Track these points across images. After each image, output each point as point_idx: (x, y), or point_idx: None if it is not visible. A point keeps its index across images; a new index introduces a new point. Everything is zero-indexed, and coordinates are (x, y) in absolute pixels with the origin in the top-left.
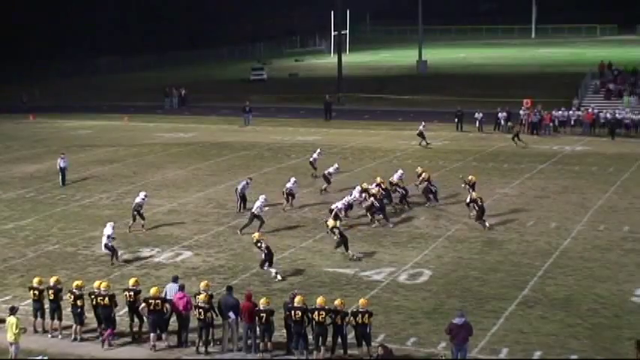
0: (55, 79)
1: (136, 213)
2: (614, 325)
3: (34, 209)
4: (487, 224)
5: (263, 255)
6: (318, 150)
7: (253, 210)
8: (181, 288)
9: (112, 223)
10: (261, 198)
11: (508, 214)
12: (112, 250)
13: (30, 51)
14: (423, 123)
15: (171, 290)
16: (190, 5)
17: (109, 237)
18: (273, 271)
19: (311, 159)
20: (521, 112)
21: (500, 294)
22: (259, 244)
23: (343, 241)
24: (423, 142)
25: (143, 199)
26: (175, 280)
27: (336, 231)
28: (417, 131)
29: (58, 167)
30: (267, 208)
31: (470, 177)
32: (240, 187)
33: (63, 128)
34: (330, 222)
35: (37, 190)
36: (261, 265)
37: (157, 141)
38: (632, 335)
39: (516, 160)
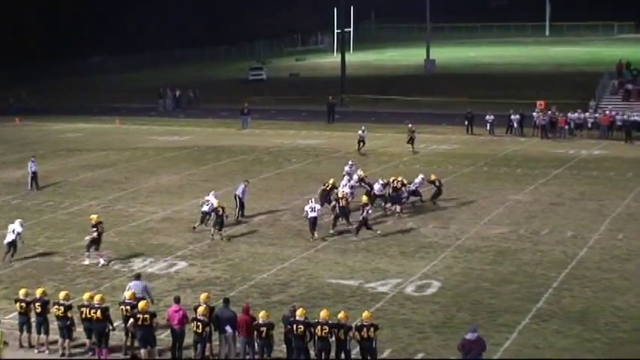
0: (43, 79)
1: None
2: (634, 340)
3: (20, 217)
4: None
5: (92, 236)
6: (350, 162)
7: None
8: (177, 300)
9: (20, 220)
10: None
11: (521, 222)
12: (14, 248)
13: (16, 50)
14: (363, 128)
15: (135, 288)
16: (185, 2)
17: (18, 234)
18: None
19: (344, 172)
20: (534, 114)
21: (513, 307)
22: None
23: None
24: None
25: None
26: (138, 277)
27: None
28: (408, 137)
29: (28, 171)
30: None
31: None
32: (239, 191)
33: (51, 131)
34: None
35: (23, 196)
36: (88, 248)
37: (150, 145)
38: None
39: (530, 164)
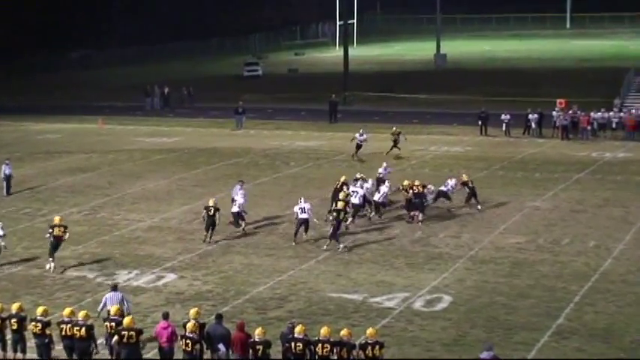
0: (20, 75)
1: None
2: None
3: None
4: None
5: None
6: (384, 164)
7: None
8: (165, 317)
9: (1, 224)
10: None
11: (540, 230)
12: None
13: None
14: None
15: (111, 300)
16: None
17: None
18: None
19: (379, 175)
20: (553, 113)
21: (530, 323)
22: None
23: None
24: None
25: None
26: (115, 288)
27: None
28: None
29: (2, 175)
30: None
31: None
32: (238, 194)
33: (28, 132)
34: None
35: None
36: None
37: (136, 147)
38: None
39: (549, 168)
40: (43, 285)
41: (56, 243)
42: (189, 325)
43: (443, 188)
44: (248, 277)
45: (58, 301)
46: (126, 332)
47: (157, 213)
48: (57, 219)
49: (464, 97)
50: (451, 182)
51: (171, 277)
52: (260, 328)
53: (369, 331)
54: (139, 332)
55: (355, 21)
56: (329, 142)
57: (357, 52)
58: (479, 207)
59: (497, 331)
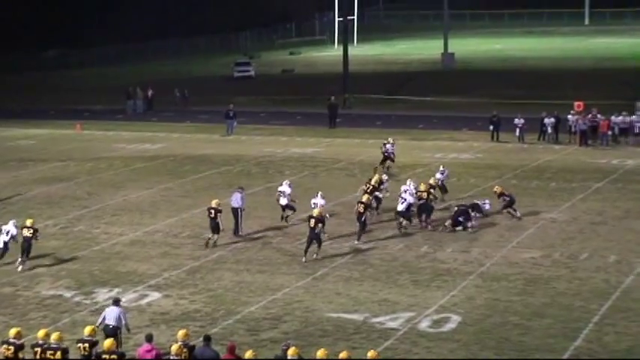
0: None
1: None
2: None
3: None
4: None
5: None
6: (441, 168)
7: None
8: (149, 339)
9: (14, 221)
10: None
11: (556, 244)
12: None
13: None
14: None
15: (110, 315)
16: None
17: (12, 237)
18: None
19: (439, 182)
20: (569, 117)
21: (546, 345)
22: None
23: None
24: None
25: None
26: (117, 303)
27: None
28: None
29: None
30: None
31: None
32: (238, 203)
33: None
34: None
35: None
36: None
37: (117, 154)
38: None
39: (566, 177)
40: (16, 304)
41: (27, 245)
42: (175, 348)
43: (479, 202)
44: (239, 296)
45: (32, 322)
46: (107, 356)
47: (139, 226)
48: (29, 221)
49: (474, 100)
50: (486, 204)
51: (155, 295)
52: (251, 351)
53: (370, 353)
54: (121, 356)
55: (356, 17)
56: (327, 149)
57: (357, 51)
58: (518, 214)
59: (510, 354)
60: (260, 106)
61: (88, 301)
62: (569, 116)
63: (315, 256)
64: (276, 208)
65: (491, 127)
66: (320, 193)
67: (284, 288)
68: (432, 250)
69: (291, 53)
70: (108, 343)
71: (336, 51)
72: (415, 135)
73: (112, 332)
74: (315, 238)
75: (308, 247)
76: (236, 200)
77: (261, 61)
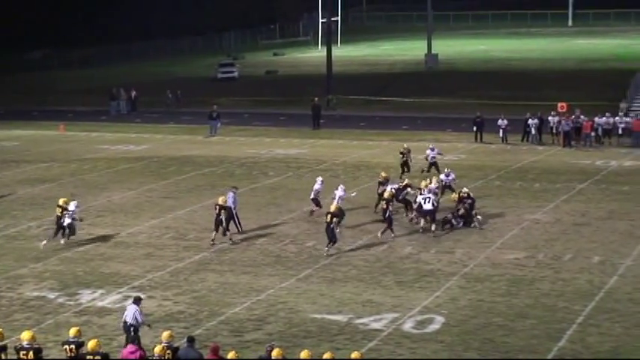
0: None
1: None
2: None
3: None
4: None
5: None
6: (446, 170)
7: None
8: (133, 340)
9: (75, 202)
10: None
11: (540, 246)
12: (70, 229)
13: None
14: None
15: (127, 312)
16: None
17: (71, 213)
18: None
19: (444, 183)
20: (550, 118)
21: (530, 346)
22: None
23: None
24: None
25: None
26: (136, 301)
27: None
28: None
29: None
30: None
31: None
32: (230, 202)
33: None
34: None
35: None
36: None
37: (100, 155)
38: None
39: (550, 178)
40: (0, 306)
41: (59, 223)
42: (158, 349)
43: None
44: (223, 297)
45: (16, 324)
46: (91, 357)
47: (123, 227)
48: (62, 200)
49: (457, 101)
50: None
51: None
52: (234, 352)
53: (354, 354)
54: (105, 357)
55: (339, 18)
56: (311, 150)
57: (341, 52)
58: (478, 221)
59: (494, 355)
60: (244, 108)
61: (71, 303)
62: (550, 117)
63: (326, 250)
64: (260, 209)
65: (474, 128)
66: (341, 185)
67: (268, 289)
68: (415, 251)
69: (275, 54)
70: (92, 343)
71: (319, 52)
72: (399, 136)
73: (128, 329)
74: (329, 232)
75: (329, 241)
76: (230, 200)
77: (245, 62)
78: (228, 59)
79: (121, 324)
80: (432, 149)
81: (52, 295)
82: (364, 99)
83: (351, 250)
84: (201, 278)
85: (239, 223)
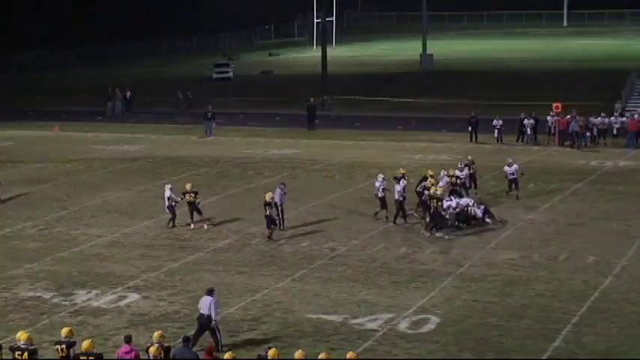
0: None
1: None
2: None
3: None
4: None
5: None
6: (460, 165)
7: None
8: (128, 340)
9: (169, 185)
10: None
11: (535, 246)
12: (172, 213)
13: None
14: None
15: (203, 304)
16: None
17: (169, 199)
18: None
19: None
20: (548, 118)
21: (525, 346)
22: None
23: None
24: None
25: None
26: (210, 292)
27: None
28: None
29: None
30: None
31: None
32: (278, 199)
33: None
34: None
35: None
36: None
37: (95, 155)
38: None
39: (545, 178)
40: None
41: (192, 209)
42: (153, 349)
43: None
44: (218, 297)
45: (12, 324)
46: (84, 357)
47: (118, 227)
48: (188, 186)
49: (452, 101)
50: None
51: (134, 297)
52: (230, 352)
53: (350, 354)
54: (99, 357)
55: (334, 19)
56: (306, 150)
57: (336, 52)
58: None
59: (489, 355)
60: (239, 108)
61: (67, 303)
62: (549, 117)
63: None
64: (255, 210)
65: (469, 128)
66: (380, 175)
67: (263, 289)
68: (411, 252)
69: (270, 55)
70: (86, 343)
71: (314, 52)
72: (394, 136)
73: (206, 321)
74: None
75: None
76: (277, 196)
77: (240, 62)
78: (223, 59)
79: (196, 316)
80: (509, 164)
81: (47, 296)
82: (359, 99)
83: (347, 250)
84: (196, 278)
85: (283, 220)
